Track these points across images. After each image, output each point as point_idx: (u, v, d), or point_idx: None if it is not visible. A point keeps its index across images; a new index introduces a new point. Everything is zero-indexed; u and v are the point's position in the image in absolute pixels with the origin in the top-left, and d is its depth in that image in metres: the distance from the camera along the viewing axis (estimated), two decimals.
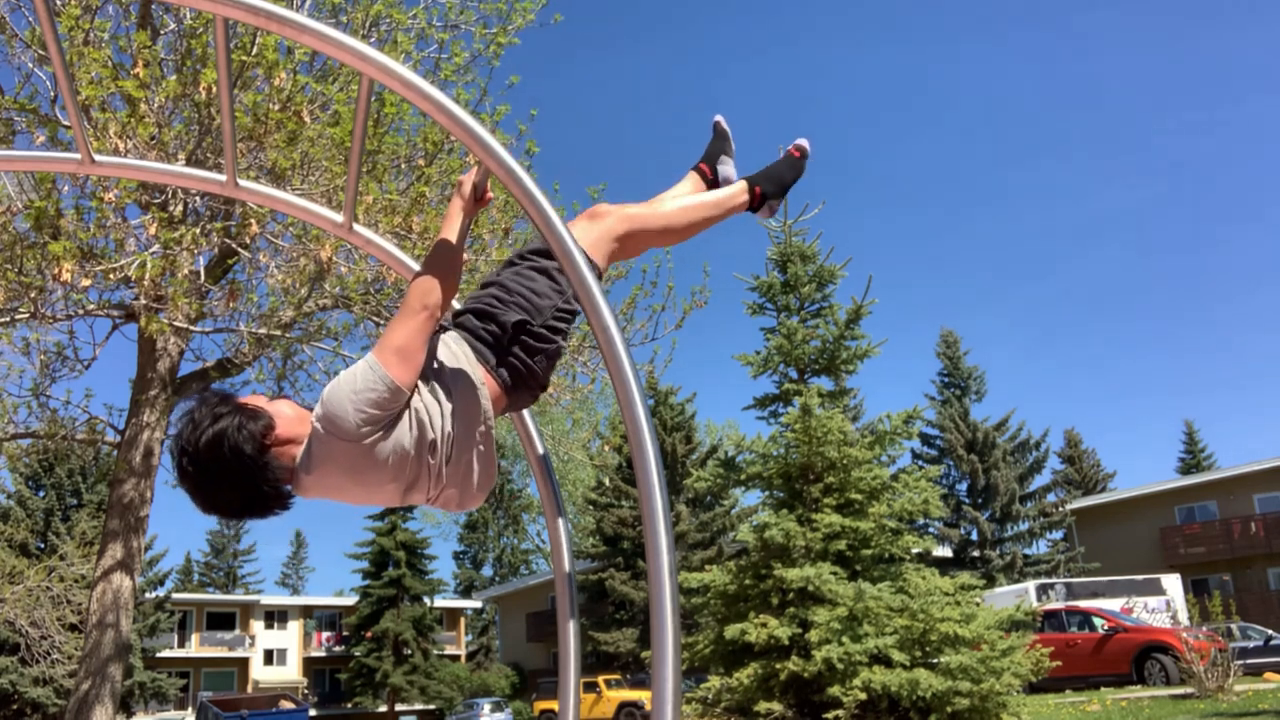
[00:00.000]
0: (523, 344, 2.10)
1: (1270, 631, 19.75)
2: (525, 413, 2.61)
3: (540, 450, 2.70)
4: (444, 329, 2.17)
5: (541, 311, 2.12)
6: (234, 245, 7.50)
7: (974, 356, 45.49)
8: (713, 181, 2.66)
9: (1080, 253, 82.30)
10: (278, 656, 49.04)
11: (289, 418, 1.94)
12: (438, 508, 2.10)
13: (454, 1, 8.48)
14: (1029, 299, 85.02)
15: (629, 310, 8.95)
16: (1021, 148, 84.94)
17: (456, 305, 2.31)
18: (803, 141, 2.76)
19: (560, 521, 2.64)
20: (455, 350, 2.07)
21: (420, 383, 1.98)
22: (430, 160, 7.55)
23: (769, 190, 2.61)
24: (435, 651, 42.79)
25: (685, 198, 2.49)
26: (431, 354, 2.05)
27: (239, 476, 1.87)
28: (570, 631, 2.55)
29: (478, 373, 2.06)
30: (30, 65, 7.37)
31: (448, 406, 1.97)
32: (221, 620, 48.52)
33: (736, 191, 2.56)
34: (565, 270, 1.92)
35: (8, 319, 7.30)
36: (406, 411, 1.91)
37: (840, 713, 7.87)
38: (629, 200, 2.40)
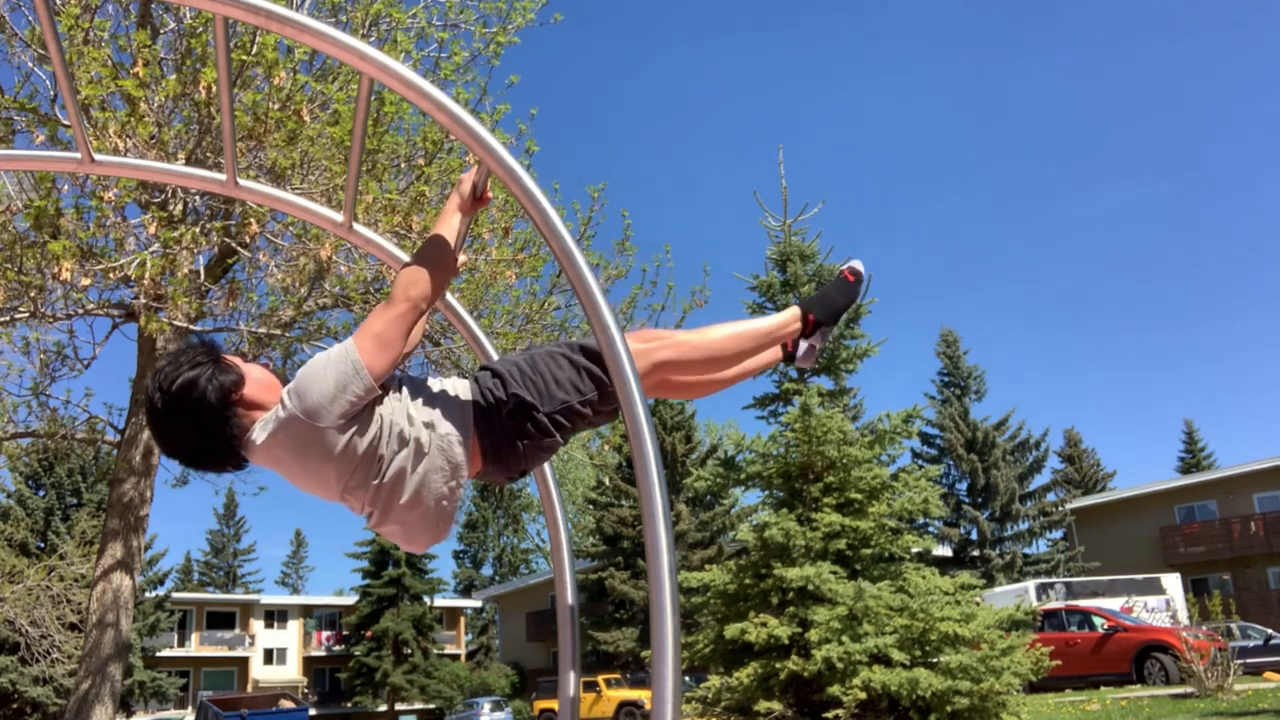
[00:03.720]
0: (518, 423, 2.05)
1: (1270, 631, 19.74)
2: None
3: None
4: (463, 375, 2.16)
5: (552, 400, 2.07)
6: (234, 244, 7.50)
7: (974, 356, 45.58)
8: (791, 355, 2.62)
9: (1081, 252, 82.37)
10: (278, 656, 49.05)
11: (258, 381, 1.99)
12: (378, 533, 2.08)
13: (454, 1, 8.47)
14: (1030, 299, 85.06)
15: (629, 310, 8.95)
16: (1022, 146, 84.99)
17: (494, 355, 2.28)
18: (857, 264, 2.67)
19: (560, 520, 2.63)
20: (462, 398, 2.06)
21: (408, 403, 1.98)
22: (430, 159, 7.54)
23: (822, 317, 2.56)
24: (435, 651, 42.84)
25: (734, 325, 2.41)
26: (432, 388, 2.06)
27: (198, 423, 1.93)
28: (570, 631, 2.55)
29: (467, 427, 2.03)
30: (30, 64, 7.36)
31: (418, 442, 1.96)
32: (221, 619, 48.52)
33: (788, 319, 2.51)
34: (563, 268, 1.91)
35: (8, 318, 7.30)
36: (373, 418, 1.92)
37: (840, 712, 7.86)
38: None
